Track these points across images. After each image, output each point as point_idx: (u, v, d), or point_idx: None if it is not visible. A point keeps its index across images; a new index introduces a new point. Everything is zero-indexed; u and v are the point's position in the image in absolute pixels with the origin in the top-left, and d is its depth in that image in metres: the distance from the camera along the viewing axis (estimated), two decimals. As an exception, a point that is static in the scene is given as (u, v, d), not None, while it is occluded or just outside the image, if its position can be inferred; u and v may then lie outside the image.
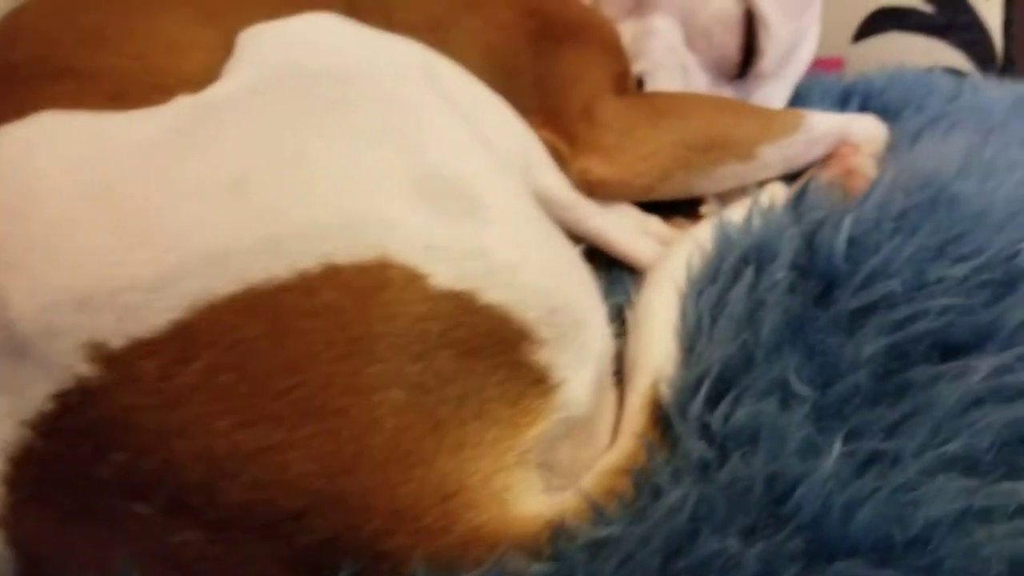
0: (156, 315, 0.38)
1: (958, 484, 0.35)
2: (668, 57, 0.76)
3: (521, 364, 0.42)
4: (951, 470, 0.36)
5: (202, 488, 0.38)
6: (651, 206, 0.68)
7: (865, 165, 0.69)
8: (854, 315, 0.45)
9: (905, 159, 0.60)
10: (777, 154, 0.69)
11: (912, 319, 0.43)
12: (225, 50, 0.53)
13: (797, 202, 0.56)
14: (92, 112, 0.46)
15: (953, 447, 0.37)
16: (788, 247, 0.50)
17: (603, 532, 0.38)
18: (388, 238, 0.40)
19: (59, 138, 0.44)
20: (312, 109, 0.45)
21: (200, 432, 0.38)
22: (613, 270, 0.63)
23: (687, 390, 0.45)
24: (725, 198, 0.70)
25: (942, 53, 1.02)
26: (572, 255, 0.49)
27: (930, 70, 0.88)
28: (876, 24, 1.02)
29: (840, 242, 0.48)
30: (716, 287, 0.51)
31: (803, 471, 0.36)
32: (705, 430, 0.42)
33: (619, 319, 0.56)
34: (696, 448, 0.41)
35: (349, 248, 0.39)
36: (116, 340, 0.38)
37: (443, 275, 0.40)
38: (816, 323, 0.44)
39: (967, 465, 0.37)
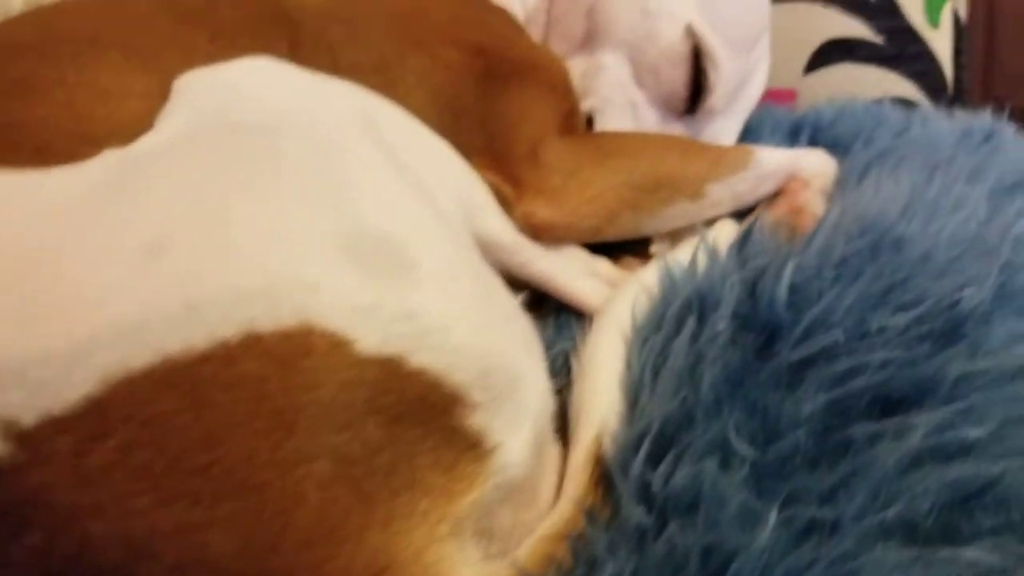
0: (69, 390, 0.37)
1: (897, 554, 0.34)
2: (617, 94, 0.76)
3: (454, 429, 0.40)
4: (890, 538, 0.35)
5: (120, 570, 0.36)
6: (601, 245, 0.67)
7: (813, 202, 0.69)
8: (795, 368, 0.44)
9: (849, 199, 0.59)
10: (726, 192, 0.69)
11: (852, 373, 0.42)
12: (161, 96, 0.52)
13: (742, 246, 0.55)
14: (11, 170, 0.44)
15: (893, 512, 0.36)
16: (730, 295, 0.49)
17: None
18: (312, 301, 0.39)
19: (-28, 199, 0.42)
20: (239, 165, 0.43)
21: (117, 512, 0.36)
22: (560, 314, 0.62)
23: (629, 448, 0.44)
24: (676, 236, 0.70)
25: (893, 83, 1.03)
26: (510, 309, 0.48)
27: (880, 101, 0.89)
28: (827, 56, 1.03)
29: (782, 290, 0.48)
30: (660, 335, 0.51)
31: (740, 542, 0.35)
32: (645, 491, 0.41)
33: (566, 367, 0.55)
34: (635, 513, 0.40)
35: (271, 314, 0.38)
36: (28, 417, 0.37)
37: (370, 339, 0.39)
38: (756, 378, 0.44)
39: (907, 532, 0.36)
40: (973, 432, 0.39)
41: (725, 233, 0.67)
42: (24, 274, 0.39)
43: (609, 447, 0.46)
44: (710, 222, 0.70)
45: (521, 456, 0.43)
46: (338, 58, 0.68)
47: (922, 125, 0.78)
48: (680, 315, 0.50)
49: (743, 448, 0.41)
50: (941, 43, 1.02)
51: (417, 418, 0.39)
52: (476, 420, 0.41)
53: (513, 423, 0.42)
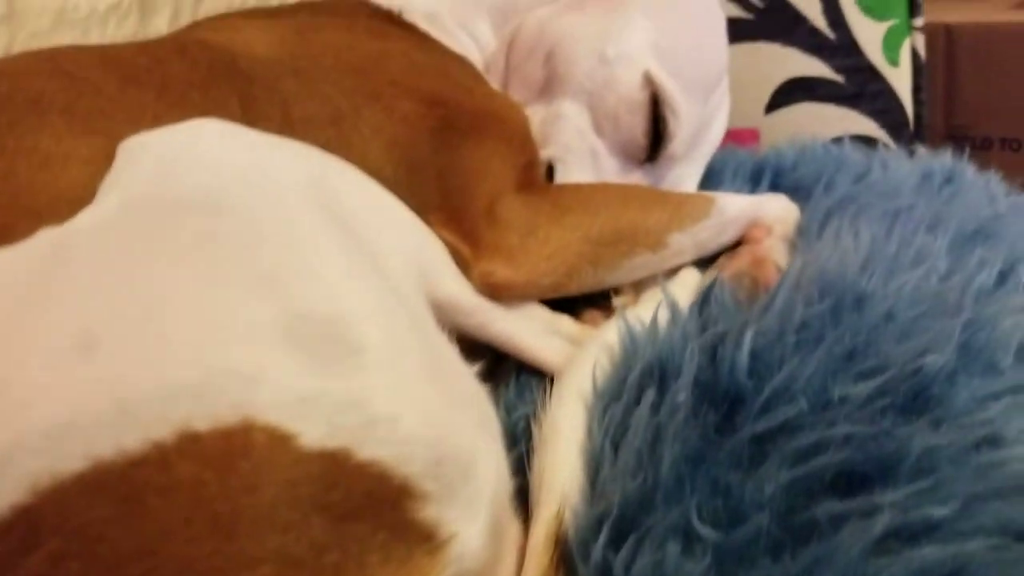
0: (-6, 498, 0.35)
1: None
2: (577, 142, 0.75)
3: (405, 523, 0.39)
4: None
5: None
6: (564, 299, 0.66)
7: (776, 249, 0.68)
8: (757, 442, 0.43)
9: (810, 255, 0.58)
10: (688, 241, 0.68)
11: (815, 448, 0.41)
12: (106, 160, 0.50)
13: (703, 305, 0.55)
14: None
15: (859, 603, 0.35)
16: (691, 363, 0.48)
17: None
18: (251, 396, 0.37)
19: None
20: (175, 249, 0.42)
21: (47, 628, 0.34)
22: (520, 376, 0.60)
23: (589, 530, 0.43)
24: (638, 285, 0.69)
25: (854, 122, 1.03)
26: (463, 387, 0.46)
27: (841, 141, 0.89)
28: (788, 95, 1.03)
29: (743, 358, 0.47)
30: (621, 404, 0.49)
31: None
32: (607, 576, 0.40)
33: (527, 431, 0.54)
34: (594, 606, 0.38)
35: (207, 410, 0.36)
36: (-50, 528, 0.35)
37: (314, 432, 0.37)
38: (718, 455, 0.42)
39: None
40: (939, 511, 0.38)
41: (687, 286, 0.66)
42: (-53, 374, 0.37)
43: (570, 525, 0.44)
44: (672, 270, 0.69)
45: (478, 544, 0.41)
46: (291, 112, 0.67)
47: (882, 168, 0.78)
48: (641, 383, 0.49)
49: (706, 531, 0.39)
50: (901, 80, 1.03)
51: (366, 513, 0.38)
52: (429, 512, 0.39)
53: (468, 511, 0.41)
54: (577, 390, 0.53)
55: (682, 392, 0.46)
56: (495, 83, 0.81)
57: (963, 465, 0.41)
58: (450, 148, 0.66)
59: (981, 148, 1.28)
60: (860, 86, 1.02)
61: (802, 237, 0.68)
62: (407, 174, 0.66)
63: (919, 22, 1.03)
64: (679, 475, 0.42)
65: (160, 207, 0.45)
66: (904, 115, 1.03)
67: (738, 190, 0.80)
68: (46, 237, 0.44)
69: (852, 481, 0.40)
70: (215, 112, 0.63)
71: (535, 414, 0.53)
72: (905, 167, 0.78)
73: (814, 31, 1.02)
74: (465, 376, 0.48)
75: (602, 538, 0.41)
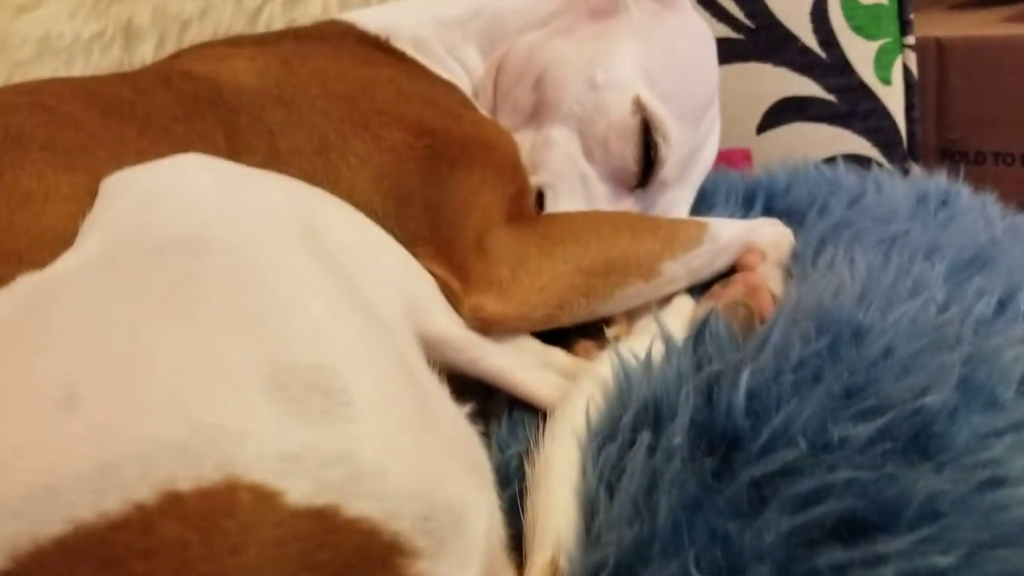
0: (-29, 565, 0.34)
1: None
2: (567, 168, 0.74)
3: (395, 580, 0.38)
4: None
5: None
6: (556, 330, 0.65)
7: (770, 276, 0.68)
8: (756, 487, 0.42)
9: (805, 287, 0.57)
10: (682, 268, 0.67)
11: (816, 495, 0.40)
12: (89, 196, 0.49)
13: (697, 340, 0.54)
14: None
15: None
16: (686, 404, 0.47)
17: None
18: (236, 452, 0.36)
19: None
20: (157, 294, 0.40)
21: None
22: (513, 412, 0.59)
23: (585, 580, 0.42)
24: (632, 314, 0.68)
25: (847, 141, 1.02)
26: (453, 434, 0.45)
27: (834, 162, 0.88)
28: (780, 115, 1.02)
29: (739, 398, 0.46)
30: (615, 445, 0.48)
31: None
32: (604, 633, 0.39)
33: (520, 470, 0.53)
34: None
35: (191, 469, 0.35)
36: (-76, 596, 0.34)
37: (300, 489, 0.36)
38: (716, 503, 0.41)
39: None
40: (944, 560, 0.37)
41: (681, 313, 0.65)
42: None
43: (566, 573, 0.44)
44: (666, 299, 0.68)
45: (470, 598, 0.40)
46: (277, 143, 0.66)
47: (877, 190, 0.77)
48: (635, 423, 0.48)
49: (705, 583, 0.38)
50: (893, 99, 1.02)
51: (355, 572, 0.37)
52: (420, 568, 0.38)
53: (460, 564, 0.40)
54: (571, 428, 0.52)
55: (678, 435, 0.45)
56: (484, 109, 0.80)
57: (967, 509, 0.40)
58: (439, 179, 0.65)
59: (975, 163, 1.28)
60: (852, 105, 1.01)
61: (797, 263, 0.67)
62: (395, 206, 0.65)
63: (910, 40, 1.03)
64: (676, 523, 0.41)
65: (141, 249, 0.44)
66: (897, 133, 1.03)
67: (731, 214, 0.79)
68: (26, 283, 0.43)
69: (855, 528, 0.39)
70: (199, 145, 0.62)
71: (528, 452, 0.52)
72: (900, 189, 0.77)
73: (805, 50, 1.01)
74: (455, 419, 0.47)
75: (599, 590, 0.40)
